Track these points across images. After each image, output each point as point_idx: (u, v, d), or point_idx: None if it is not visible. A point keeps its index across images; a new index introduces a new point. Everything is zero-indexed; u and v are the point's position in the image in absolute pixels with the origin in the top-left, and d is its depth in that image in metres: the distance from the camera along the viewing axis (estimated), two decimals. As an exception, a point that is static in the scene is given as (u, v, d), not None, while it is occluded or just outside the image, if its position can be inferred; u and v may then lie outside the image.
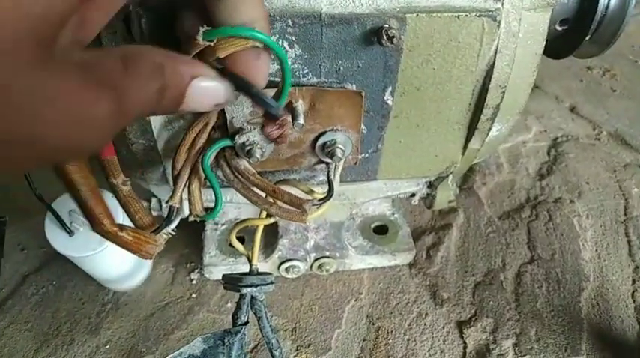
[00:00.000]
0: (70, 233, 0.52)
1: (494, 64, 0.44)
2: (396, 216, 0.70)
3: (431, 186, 0.61)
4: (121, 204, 0.40)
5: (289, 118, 0.40)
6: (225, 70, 0.32)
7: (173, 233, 0.43)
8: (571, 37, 0.56)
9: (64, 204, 0.53)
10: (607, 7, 0.53)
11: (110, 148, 0.39)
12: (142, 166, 0.50)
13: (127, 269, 0.63)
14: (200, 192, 0.45)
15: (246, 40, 0.30)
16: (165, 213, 0.58)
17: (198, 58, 0.33)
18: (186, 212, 0.45)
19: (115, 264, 0.60)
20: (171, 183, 0.52)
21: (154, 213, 0.59)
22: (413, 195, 0.63)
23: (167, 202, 0.42)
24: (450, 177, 0.58)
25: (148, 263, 0.68)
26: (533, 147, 0.89)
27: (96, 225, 0.37)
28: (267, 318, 0.50)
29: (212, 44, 0.30)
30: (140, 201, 0.41)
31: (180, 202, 0.43)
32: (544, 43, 0.47)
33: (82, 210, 0.36)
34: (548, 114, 0.96)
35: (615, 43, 0.58)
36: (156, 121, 0.43)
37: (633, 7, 0.53)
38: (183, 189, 0.43)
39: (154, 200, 0.59)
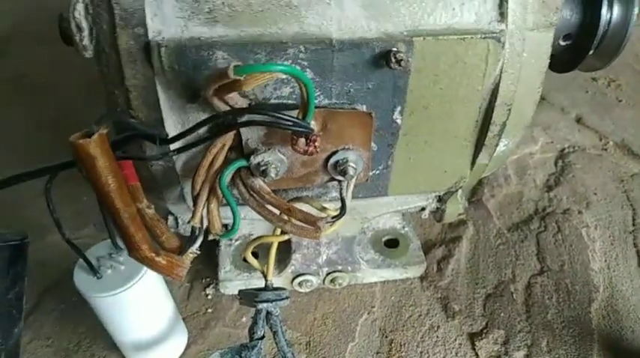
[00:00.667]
0: (99, 276, 0.52)
1: (499, 82, 0.46)
2: (406, 229, 0.71)
3: (440, 200, 0.63)
4: (146, 228, 0.41)
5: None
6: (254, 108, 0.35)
7: (198, 252, 0.44)
8: (575, 52, 0.57)
9: (96, 250, 0.54)
10: (609, 22, 0.54)
11: (134, 175, 0.41)
12: (160, 187, 0.52)
13: (154, 331, 0.58)
14: (218, 211, 0.46)
15: (271, 74, 0.32)
16: (182, 231, 0.60)
17: (223, 88, 0.35)
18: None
19: (140, 317, 0.57)
20: (188, 202, 0.54)
21: (172, 230, 0.61)
22: (423, 209, 0.64)
23: (188, 222, 0.43)
24: (460, 191, 0.59)
25: (182, 335, 0.64)
26: (540, 159, 0.90)
27: (134, 251, 0.38)
28: (282, 332, 0.51)
29: (241, 79, 0.32)
30: (164, 222, 0.43)
31: (201, 222, 0.45)
32: (548, 60, 0.49)
33: (122, 236, 0.38)
34: (554, 125, 0.97)
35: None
36: (175, 145, 0.45)
37: (636, 18, 0.54)
38: (203, 209, 0.45)
39: (170, 218, 0.61)
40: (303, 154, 0.40)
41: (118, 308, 0.53)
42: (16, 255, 0.47)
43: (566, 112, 1.01)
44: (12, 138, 0.93)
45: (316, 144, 0.39)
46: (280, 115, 0.37)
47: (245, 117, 0.41)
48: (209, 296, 0.68)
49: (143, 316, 0.57)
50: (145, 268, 0.53)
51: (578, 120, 0.99)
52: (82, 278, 0.52)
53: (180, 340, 0.63)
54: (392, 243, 0.70)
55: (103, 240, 0.55)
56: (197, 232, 0.44)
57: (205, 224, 0.47)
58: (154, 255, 0.39)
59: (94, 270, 0.51)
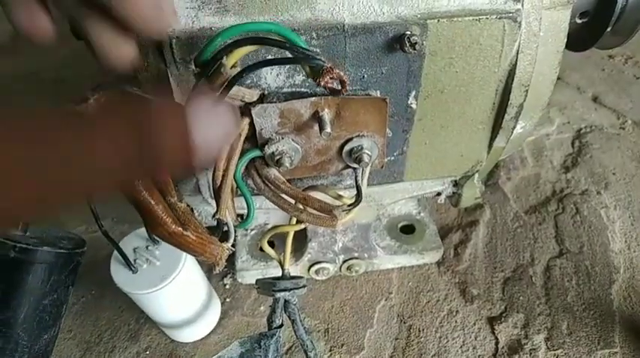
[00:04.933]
0: (134, 270, 0.53)
1: (516, 63, 0.45)
2: (422, 214, 0.71)
3: (457, 184, 0.62)
4: (180, 222, 0.41)
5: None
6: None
7: (232, 249, 0.44)
8: (592, 29, 0.56)
9: (129, 242, 0.55)
10: (628, -3, 0.53)
11: (166, 171, 0.41)
12: (177, 179, 0.52)
13: (191, 312, 0.60)
14: (233, 202, 0.46)
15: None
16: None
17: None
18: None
19: (177, 305, 0.58)
20: (204, 193, 0.54)
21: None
22: (439, 194, 0.64)
23: (213, 216, 0.43)
24: (476, 175, 0.59)
25: (216, 308, 0.66)
26: (557, 140, 0.89)
27: (157, 227, 0.37)
28: (300, 321, 0.51)
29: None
30: (196, 217, 0.43)
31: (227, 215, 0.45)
32: (565, 39, 0.47)
33: (142, 213, 0.37)
34: (570, 105, 0.96)
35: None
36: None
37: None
38: (227, 201, 0.45)
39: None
40: (340, 90, 0.38)
41: (155, 300, 0.55)
42: (62, 263, 0.47)
43: (583, 91, 0.99)
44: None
45: (338, 73, 0.37)
46: (291, 46, 0.35)
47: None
48: (227, 286, 0.69)
49: (181, 303, 0.59)
50: (182, 263, 0.53)
51: (595, 99, 0.97)
52: (118, 272, 0.53)
53: (215, 312, 0.66)
54: (408, 229, 0.70)
55: (137, 231, 0.55)
56: (225, 226, 0.44)
57: (232, 218, 0.46)
58: (181, 229, 0.38)
59: (129, 264, 0.52)
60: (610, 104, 0.95)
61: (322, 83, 0.38)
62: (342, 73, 0.38)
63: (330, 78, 0.37)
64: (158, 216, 0.36)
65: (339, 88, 0.37)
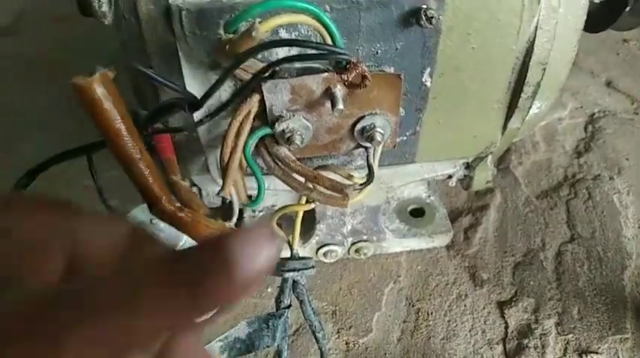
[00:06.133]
0: None
1: (534, 40, 0.43)
2: (432, 198, 0.70)
3: (468, 167, 0.61)
4: (181, 202, 0.41)
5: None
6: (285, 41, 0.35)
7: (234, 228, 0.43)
8: (610, 9, 0.55)
9: (134, 217, 0.54)
10: (648, -25, 0.51)
11: (170, 148, 0.40)
12: (184, 157, 0.51)
13: None
14: (243, 180, 0.45)
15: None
16: (206, 203, 0.59)
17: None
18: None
19: None
20: (212, 173, 0.53)
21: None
22: (450, 176, 0.63)
23: (218, 194, 0.43)
24: (489, 157, 0.57)
25: None
26: (569, 124, 0.87)
27: (154, 205, 0.37)
28: (309, 301, 0.51)
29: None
30: (199, 196, 0.42)
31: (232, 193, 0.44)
32: (585, 17, 0.46)
33: (140, 189, 0.36)
34: (583, 89, 0.94)
35: (653, 13, 0.56)
36: (198, 113, 0.44)
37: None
38: (232, 180, 0.44)
39: (194, 190, 0.60)
40: (360, 84, 0.38)
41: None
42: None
43: (596, 76, 0.97)
44: (32, 115, 0.93)
45: (361, 68, 0.37)
46: (313, 43, 0.35)
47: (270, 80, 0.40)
48: (234, 268, 0.68)
49: None
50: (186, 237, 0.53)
51: (609, 84, 0.95)
52: None
53: None
54: (417, 213, 0.69)
55: (143, 205, 0.55)
56: (229, 204, 0.43)
57: (236, 196, 0.46)
58: (173, 208, 0.37)
59: None
60: (624, 89, 0.94)
61: (349, 79, 0.37)
62: (366, 69, 0.37)
63: (357, 74, 0.37)
64: (155, 195, 0.36)
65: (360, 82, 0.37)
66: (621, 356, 0.58)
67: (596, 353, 0.58)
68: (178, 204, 0.38)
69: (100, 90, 0.29)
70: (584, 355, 0.58)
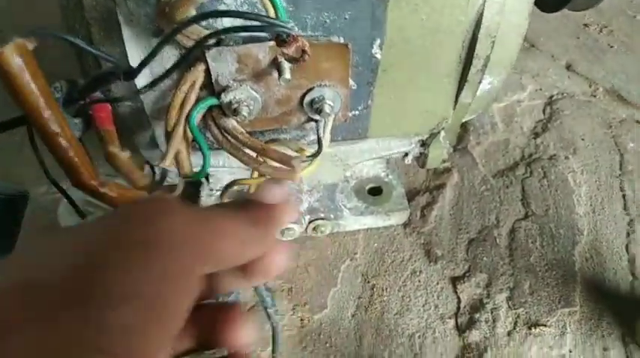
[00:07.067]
0: (84, 218, 0.51)
1: (483, 12, 0.43)
2: (390, 177, 0.70)
3: (424, 144, 0.61)
4: (122, 174, 0.39)
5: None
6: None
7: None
8: (565, -12, 0.55)
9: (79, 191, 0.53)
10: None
11: (109, 119, 0.39)
12: (131, 130, 0.50)
13: None
14: (188, 152, 0.44)
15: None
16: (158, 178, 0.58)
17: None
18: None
19: None
20: (162, 147, 0.52)
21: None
22: (406, 154, 0.63)
23: (158, 165, 0.42)
24: (442, 134, 0.58)
25: None
26: (528, 106, 0.88)
27: (75, 180, 0.36)
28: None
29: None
30: (135, 162, 0.41)
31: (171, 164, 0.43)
32: (535, -10, 0.46)
33: (62, 165, 0.35)
34: (543, 72, 0.95)
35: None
36: (139, 80, 0.42)
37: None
38: (174, 151, 0.43)
39: (146, 167, 0.59)
40: (299, 58, 0.37)
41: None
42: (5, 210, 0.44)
43: (556, 59, 0.98)
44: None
45: (301, 42, 0.36)
46: (253, 15, 0.34)
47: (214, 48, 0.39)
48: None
49: None
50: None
51: (568, 67, 0.97)
52: (67, 222, 0.51)
53: None
54: (375, 191, 0.69)
55: None
56: (165, 175, 0.42)
57: (183, 169, 0.45)
58: (95, 183, 0.36)
59: (79, 212, 0.50)
60: (583, 72, 0.95)
61: (288, 52, 0.36)
62: (306, 43, 0.36)
63: (296, 47, 0.36)
64: (74, 169, 0.34)
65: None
66: (569, 328, 0.59)
67: (545, 325, 0.59)
68: (103, 179, 0.37)
69: (14, 60, 0.27)
70: (533, 328, 0.59)
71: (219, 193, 0.69)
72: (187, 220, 0.20)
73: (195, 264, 0.19)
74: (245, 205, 0.23)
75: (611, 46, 1.01)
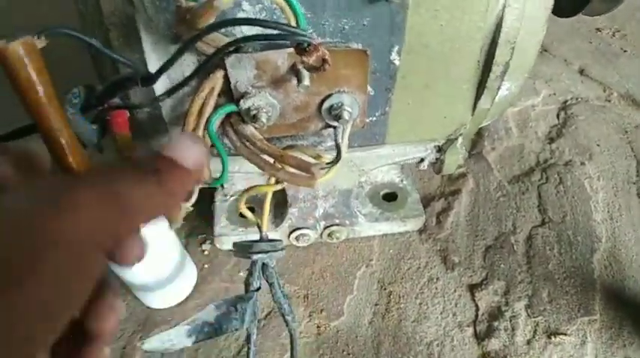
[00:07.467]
0: None
1: (502, 18, 0.43)
2: (405, 182, 0.69)
3: (440, 150, 0.61)
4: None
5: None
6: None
7: (191, 208, 0.42)
8: (581, -6, 0.55)
9: None
10: (619, -40, 0.51)
11: (126, 124, 0.39)
12: (147, 136, 0.50)
13: (163, 274, 0.58)
14: (208, 158, 0.44)
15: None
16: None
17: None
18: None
19: (147, 263, 0.56)
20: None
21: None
22: (422, 160, 0.63)
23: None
24: (459, 140, 0.57)
25: (191, 273, 0.64)
26: (542, 111, 0.88)
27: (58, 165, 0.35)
28: (278, 284, 0.50)
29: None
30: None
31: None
32: (554, -4, 0.46)
33: (58, 165, 0.34)
34: (557, 77, 0.94)
35: (626, 2, 0.56)
36: (157, 86, 0.42)
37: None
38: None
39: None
40: (319, 67, 0.37)
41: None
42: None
43: (569, 64, 0.98)
44: None
45: (322, 52, 0.36)
46: (273, 23, 0.34)
47: (232, 57, 0.39)
48: (205, 252, 0.67)
49: (150, 260, 0.56)
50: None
51: (582, 72, 0.96)
52: None
53: (190, 276, 0.64)
54: (390, 197, 0.69)
55: None
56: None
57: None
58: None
59: None
60: (596, 76, 0.94)
61: (309, 61, 0.36)
62: (326, 52, 0.36)
63: (317, 57, 0.36)
64: (69, 171, 0.33)
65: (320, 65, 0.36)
66: (589, 337, 0.58)
67: (565, 334, 0.58)
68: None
69: (17, 57, 0.27)
70: (553, 336, 0.58)
71: (233, 198, 0.70)
72: (94, 208, 0.19)
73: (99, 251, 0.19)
74: (158, 171, 0.21)
75: (625, 50, 1.00)
